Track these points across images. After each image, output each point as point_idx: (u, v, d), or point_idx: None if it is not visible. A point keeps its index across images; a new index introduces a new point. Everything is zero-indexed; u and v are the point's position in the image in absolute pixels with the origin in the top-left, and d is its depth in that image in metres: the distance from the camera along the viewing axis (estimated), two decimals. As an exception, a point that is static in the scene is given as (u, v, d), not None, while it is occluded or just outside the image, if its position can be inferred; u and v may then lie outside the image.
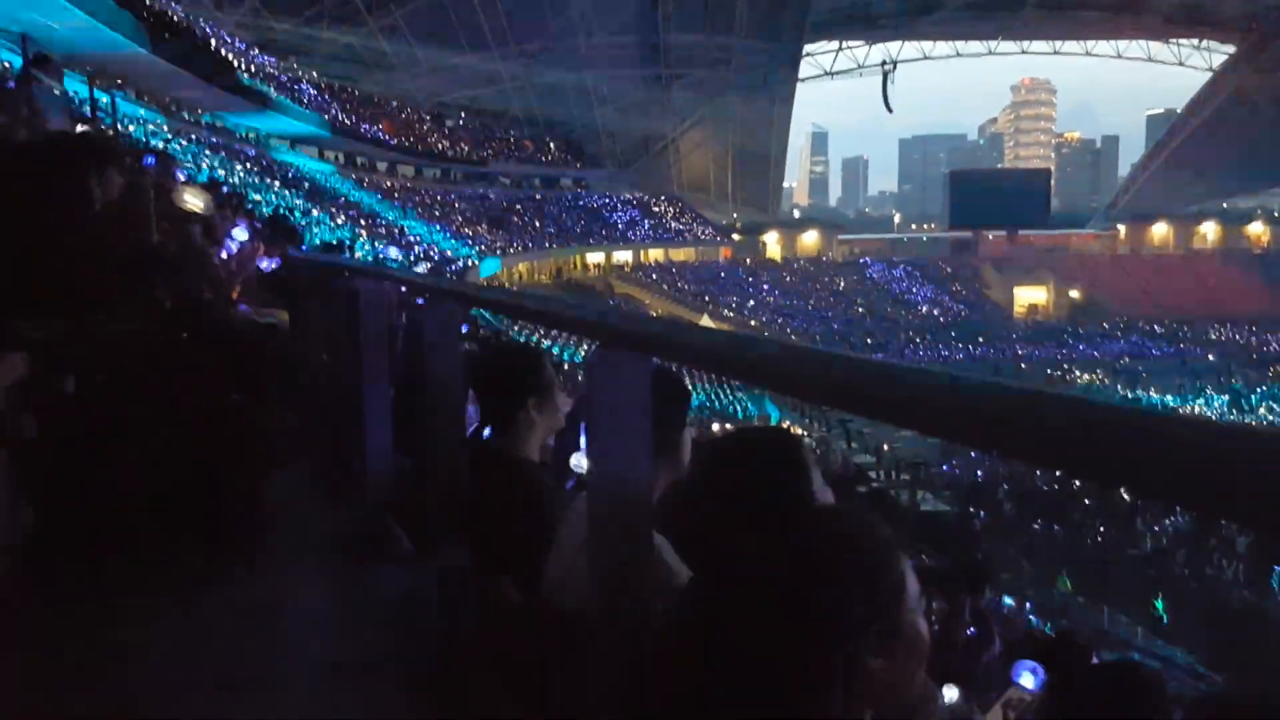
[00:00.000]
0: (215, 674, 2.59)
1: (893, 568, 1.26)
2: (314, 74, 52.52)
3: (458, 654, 2.40)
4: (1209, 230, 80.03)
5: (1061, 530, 26.15)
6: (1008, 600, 16.28)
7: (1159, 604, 19.56)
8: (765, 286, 68.28)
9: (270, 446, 3.95)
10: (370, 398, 3.71)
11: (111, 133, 11.89)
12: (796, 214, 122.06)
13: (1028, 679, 4.41)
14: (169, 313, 3.93)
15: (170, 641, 2.75)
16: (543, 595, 2.22)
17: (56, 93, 9.40)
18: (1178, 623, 18.85)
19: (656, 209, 71.87)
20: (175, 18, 33.93)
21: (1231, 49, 77.27)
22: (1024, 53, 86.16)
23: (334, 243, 21.59)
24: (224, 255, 6.21)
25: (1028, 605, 17.57)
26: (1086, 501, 27.30)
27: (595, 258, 65.68)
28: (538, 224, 61.93)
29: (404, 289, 4.80)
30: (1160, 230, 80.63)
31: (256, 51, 46.55)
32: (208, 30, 39.19)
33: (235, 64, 38.98)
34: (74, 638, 2.75)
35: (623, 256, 67.15)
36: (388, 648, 2.75)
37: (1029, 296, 72.51)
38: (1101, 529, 26.01)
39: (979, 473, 32.69)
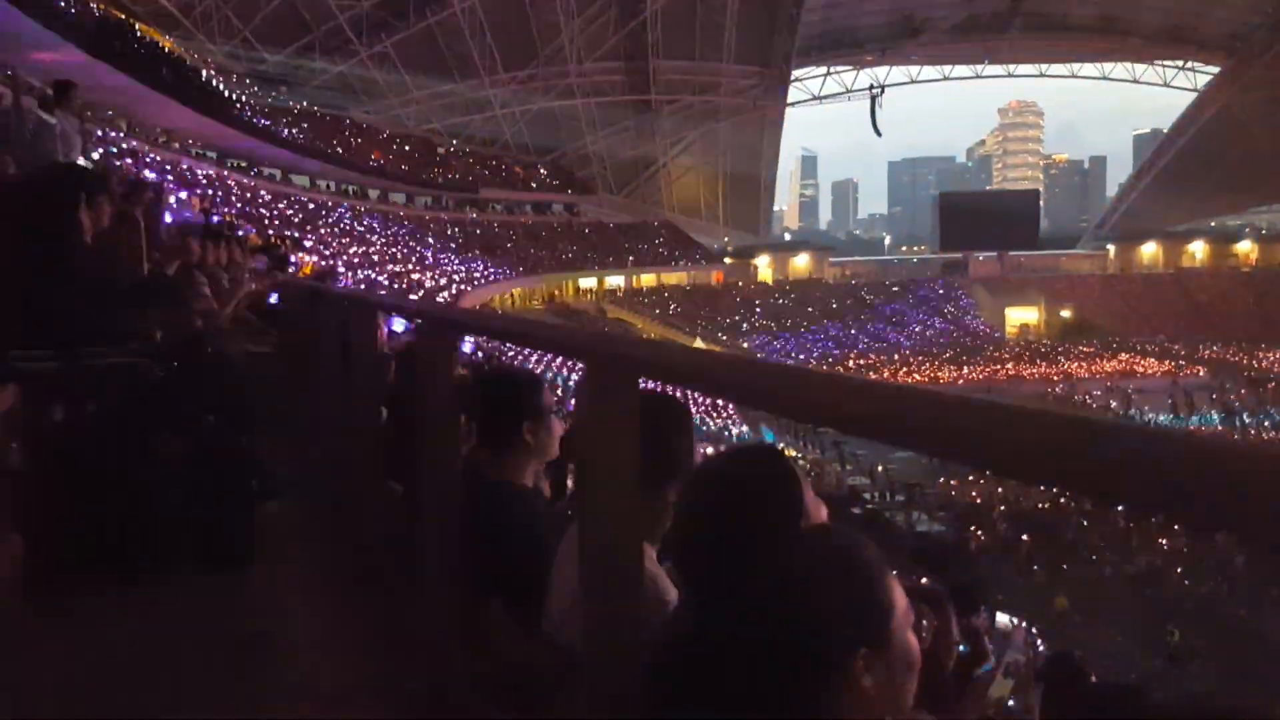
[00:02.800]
0: (209, 704, 2.57)
1: (880, 585, 1.27)
2: (305, 103, 52.76)
3: (451, 682, 2.38)
4: (1198, 249, 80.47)
5: (1057, 550, 26.12)
6: (1003, 618, 16.24)
7: (1173, 632, 19.43)
8: (758, 309, 68.43)
9: (262, 476, 3.94)
10: (361, 425, 3.70)
11: (102, 164, 11.91)
12: (787, 237, 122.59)
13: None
14: (160, 344, 3.92)
15: (163, 672, 2.73)
16: (545, 626, 2.21)
17: (75, 124, 9.38)
18: (1189, 645, 18.78)
19: (648, 233, 72.07)
20: (167, 49, 34.12)
21: (1216, 69, 78.01)
22: (1010, 75, 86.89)
23: (325, 270, 21.59)
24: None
25: (1024, 624, 17.52)
26: (1085, 523, 27.30)
27: (587, 283, 65.80)
28: (530, 250, 62.04)
29: (395, 315, 4.80)
30: (1149, 249, 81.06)
31: (248, 82, 46.81)
32: (199, 61, 39.40)
33: (226, 94, 39.16)
34: (66, 667, 2.73)
35: (615, 281, 67.28)
36: (381, 676, 2.73)
37: (1020, 317, 72.79)
38: (1098, 546, 26.01)
39: (974, 493, 32.68)
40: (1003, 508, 30.28)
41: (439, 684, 2.42)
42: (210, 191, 28.89)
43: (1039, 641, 15.81)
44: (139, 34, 31.35)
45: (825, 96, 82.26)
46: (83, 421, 3.44)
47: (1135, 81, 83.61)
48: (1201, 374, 58.53)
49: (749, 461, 1.63)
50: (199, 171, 33.11)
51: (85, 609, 3.09)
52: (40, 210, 3.77)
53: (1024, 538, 26.82)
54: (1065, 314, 71.99)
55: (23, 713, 2.44)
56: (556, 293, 62.91)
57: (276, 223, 34.11)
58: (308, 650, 3.02)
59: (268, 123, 43.27)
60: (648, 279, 68.97)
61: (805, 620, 1.23)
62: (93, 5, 27.80)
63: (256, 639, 3.01)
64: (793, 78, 75.11)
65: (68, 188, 4.00)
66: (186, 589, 3.40)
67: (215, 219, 14.79)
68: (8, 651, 2.77)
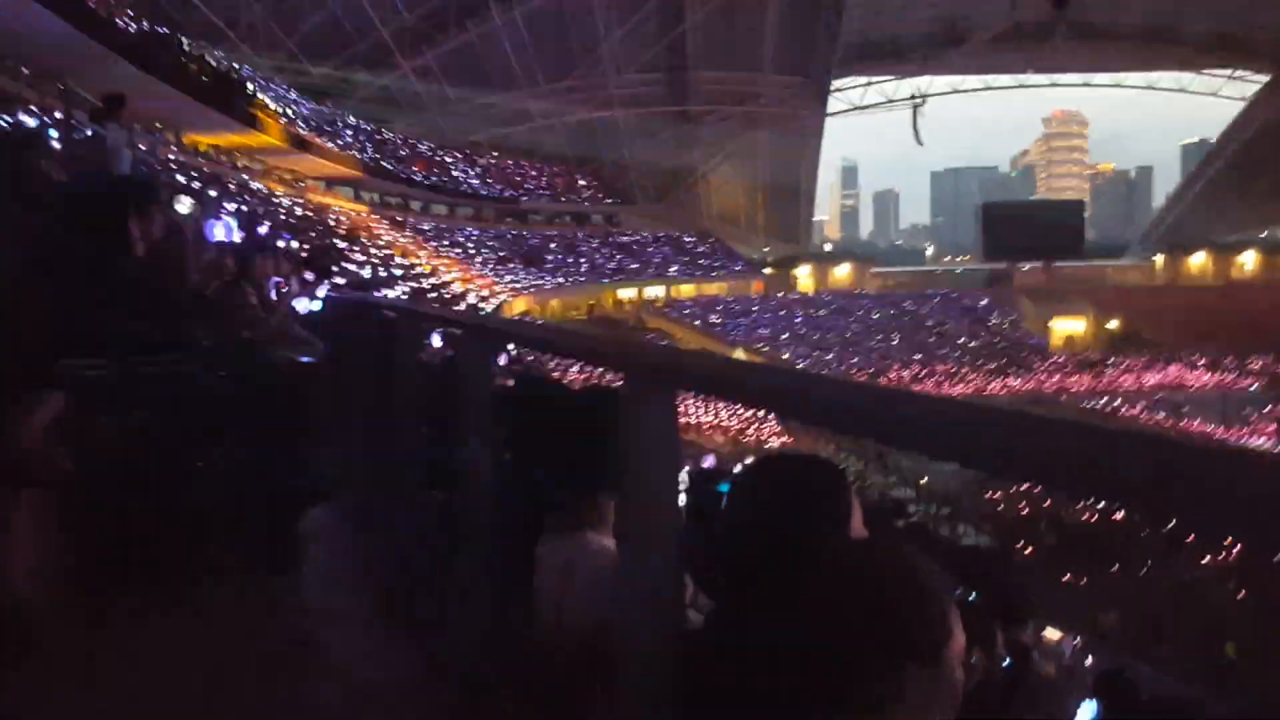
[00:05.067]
0: (254, 705, 2.60)
1: (941, 609, 1.26)
2: (349, 116, 53.40)
3: (491, 683, 2.39)
4: (1248, 260, 78.90)
5: (1106, 564, 25.67)
6: (1050, 633, 15.97)
7: (1231, 649, 18.84)
8: (798, 319, 68.11)
9: (305, 483, 3.97)
10: (403, 433, 3.73)
11: (153, 176, 12.10)
12: (828, 247, 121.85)
13: (1083, 714, 4.32)
14: (207, 352, 3.97)
15: (209, 675, 2.76)
16: (544, 623, 2.23)
17: (124, 136, 9.58)
18: (1248, 663, 18.25)
19: (688, 244, 72.06)
20: (214, 62, 34.69)
21: (1265, 78, 76.64)
22: (1054, 85, 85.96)
23: (369, 281, 21.84)
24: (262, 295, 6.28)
25: (1074, 640, 17.22)
26: (1143, 534, 26.78)
27: (627, 293, 65.89)
28: (570, 261, 62.25)
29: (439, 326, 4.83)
30: (1198, 260, 79.58)
31: (294, 94, 47.47)
32: (245, 74, 40.01)
33: (273, 107, 39.72)
34: (111, 672, 2.77)
35: (654, 292, 67.29)
36: (420, 680, 2.75)
37: (1067, 328, 71.80)
38: (1149, 560, 25.51)
39: (1021, 505, 32.23)
40: (1048, 521, 29.84)
41: (480, 692, 2.42)
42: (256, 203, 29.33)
43: (1088, 656, 15.53)
44: (186, 48, 31.91)
45: (866, 106, 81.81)
46: (131, 429, 3.49)
47: (1182, 91, 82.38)
48: (1253, 387, 57.41)
49: (801, 466, 1.63)
50: (247, 184, 33.64)
51: (131, 614, 3.14)
52: (91, 220, 3.83)
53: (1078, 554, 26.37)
54: (1112, 325, 70.92)
55: (66, 717, 2.48)
56: (596, 303, 63.07)
57: (322, 235, 34.52)
58: (350, 656, 3.04)
59: (313, 136, 43.80)
60: (687, 289, 68.92)
61: (859, 624, 1.23)
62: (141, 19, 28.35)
63: (300, 644, 3.04)
64: (833, 87, 74.77)
65: (119, 198, 4.06)
66: (232, 595, 3.44)
67: (260, 231, 14.99)
68: (53, 656, 2.81)
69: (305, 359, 5.66)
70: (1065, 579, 24.70)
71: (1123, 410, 52.47)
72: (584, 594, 2.05)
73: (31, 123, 14.79)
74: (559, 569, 2.17)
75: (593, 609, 1.99)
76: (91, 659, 2.83)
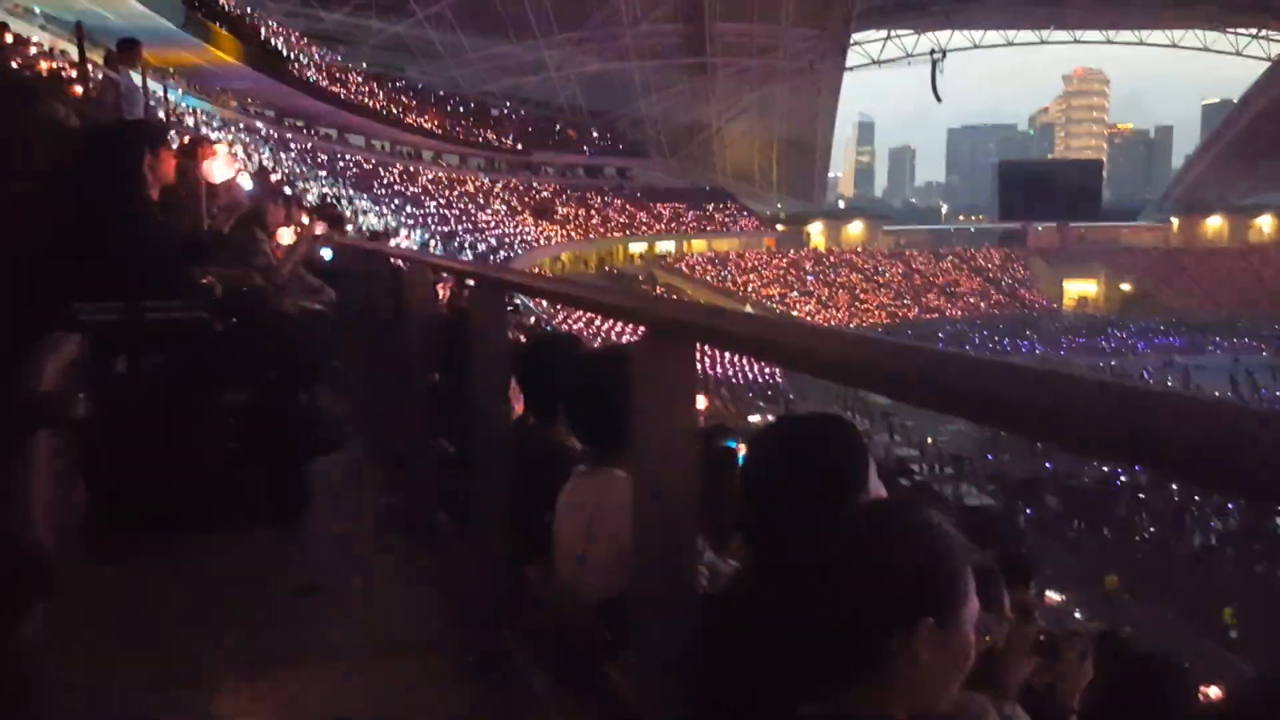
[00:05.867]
0: (261, 652, 2.64)
1: (959, 568, 1.27)
2: (361, 63, 52.93)
3: (497, 634, 2.42)
4: (1265, 223, 78.10)
5: (1108, 527, 25.76)
6: (1052, 595, 16.08)
7: (1228, 613, 18.89)
8: (810, 277, 67.86)
9: (317, 430, 4.00)
10: (414, 383, 3.74)
11: (165, 120, 12.03)
12: (841, 204, 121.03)
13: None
14: (219, 298, 3.98)
15: (219, 617, 2.80)
16: (559, 580, 2.25)
17: (137, 81, 9.54)
18: (1246, 630, 18.32)
19: (700, 199, 71.61)
20: (226, 7, 34.36)
21: (1292, 38, 75.41)
22: (1076, 42, 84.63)
23: (380, 230, 21.80)
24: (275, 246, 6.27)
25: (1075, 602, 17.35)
26: (1142, 496, 26.84)
27: (638, 248, 65.62)
28: (582, 213, 61.94)
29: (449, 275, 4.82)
30: (1215, 223, 78.85)
31: (306, 41, 47.06)
32: (257, 20, 39.65)
33: (285, 54, 39.42)
34: (130, 612, 2.81)
35: (665, 247, 67.02)
36: (429, 628, 2.78)
37: (1079, 289, 71.43)
38: (1150, 528, 25.59)
39: (1025, 467, 32.28)
40: (1053, 483, 29.91)
41: (488, 641, 2.45)
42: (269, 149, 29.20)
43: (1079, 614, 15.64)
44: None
45: (885, 61, 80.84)
46: (145, 373, 3.52)
47: (1206, 50, 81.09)
48: (1264, 353, 57.11)
49: (821, 426, 1.64)
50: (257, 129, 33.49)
51: (145, 556, 3.18)
52: (104, 164, 3.83)
53: (1081, 516, 26.46)
54: (1125, 287, 70.53)
55: (82, 656, 2.52)
56: (607, 257, 62.85)
57: (333, 182, 34.44)
58: (358, 602, 3.08)
59: (325, 82, 43.49)
60: (699, 245, 68.62)
61: (875, 577, 1.24)
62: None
63: (308, 590, 3.07)
64: (852, 41, 73.85)
65: (132, 142, 4.05)
66: (242, 539, 3.48)
67: (273, 178, 14.95)
68: (70, 596, 2.86)
69: (317, 307, 5.67)
70: (1067, 541, 24.82)
71: (1131, 374, 52.24)
72: (609, 522, 2.07)
73: (45, 66, 14.73)
74: (584, 504, 2.19)
75: (617, 539, 2.00)
76: (107, 599, 2.87)
